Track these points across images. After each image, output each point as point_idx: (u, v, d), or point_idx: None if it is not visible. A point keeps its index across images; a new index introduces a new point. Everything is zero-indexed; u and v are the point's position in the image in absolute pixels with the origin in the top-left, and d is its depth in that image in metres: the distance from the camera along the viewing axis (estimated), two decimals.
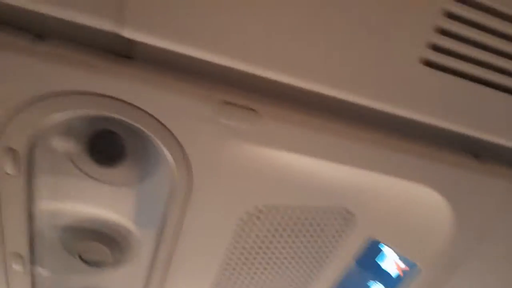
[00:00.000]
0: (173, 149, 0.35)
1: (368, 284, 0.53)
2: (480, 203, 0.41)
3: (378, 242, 0.49)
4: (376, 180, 0.41)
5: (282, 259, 0.49)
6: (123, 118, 0.32)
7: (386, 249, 0.49)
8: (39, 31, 0.29)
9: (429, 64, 0.32)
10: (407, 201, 0.43)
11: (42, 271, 0.46)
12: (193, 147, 0.34)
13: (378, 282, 0.52)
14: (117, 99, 0.30)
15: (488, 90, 0.35)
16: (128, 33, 0.28)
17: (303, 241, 0.47)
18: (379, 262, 0.50)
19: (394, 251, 0.48)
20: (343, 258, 0.51)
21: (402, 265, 0.48)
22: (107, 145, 0.36)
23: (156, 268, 0.44)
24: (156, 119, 0.32)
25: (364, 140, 0.37)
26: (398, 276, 0.49)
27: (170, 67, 0.32)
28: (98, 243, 0.44)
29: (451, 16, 0.31)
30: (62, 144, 0.35)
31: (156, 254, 0.44)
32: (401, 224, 0.46)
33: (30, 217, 0.39)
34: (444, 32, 0.31)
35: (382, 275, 0.51)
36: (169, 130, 0.33)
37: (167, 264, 0.45)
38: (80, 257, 0.45)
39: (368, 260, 0.51)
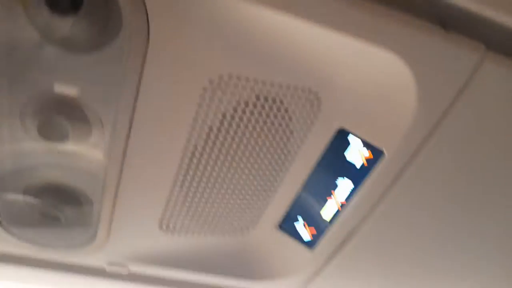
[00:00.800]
0: None
1: (336, 182, 0.53)
2: (445, 77, 0.41)
3: (345, 133, 0.49)
4: (340, 49, 0.41)
5: (247, 151, 0.48)
6: None
7: (351, 139, 0.49)
8: None
9: None
10: (372, 76, 0.43)
11: None
12: None
13: (345, 178, 0.52)
14: None
15: None
16: None
17: (270, 130, 0.47)
18: (345, 155, 0.50)
19: (360, 138, 0.48)
20: (311, 151, 0.51)
21: (366, 154, 0.49)
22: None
23: (116, 141, 0.43)
24: None
25: None
26: (363, 166, 0.50)
27: None
28: (57, 116, 0.43)
29: None
30: None
31: (114, 129, 0.42)
32: (367, 105, 0.45)
33: None
34: None
35: (349, 168, 0.51)
36: None
37: (125, 141, 0.43)
38: (38, 131, 0.43)
39: (334, 154, 0.51)
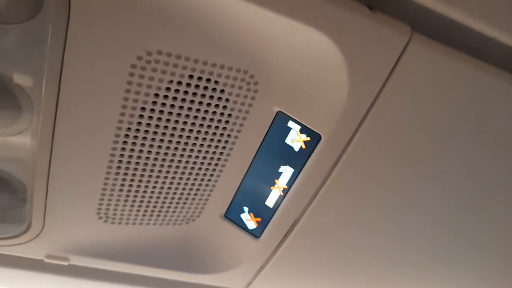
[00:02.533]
0: None
1: (279, 170, 0.53)
2: (374, 58, 0.42)
3: (284, 118, 0.49)
4: (275, 31, 0.41)
5: (184, 135, 0.47)
6: None
7: (290, 124, 0.49)
8: None
9: None
10: (305, 60, 0.44)
11: None
12: None
13: (287, 165, 0.52)
14: None
15: None
16: None
17: (207, 111, 0.46)
18: (286, 141, 0.50)
19: (298, 122, 0.48)
20: (251, 138, 0.50)
21: (304, 137, 0.49)
22: None
23: (43, 124, 0.42)
24: None
25: None
26: (301, 150, 0.50)
27: None
28: None
29: None
30: None
31: (40, 112, 0.41)
32: (302, 88, 0.46)
33: None
34: None
35: (289, 152, 0.51)
36: None
37: (52, 125, 0.42)
38: None
39: (275, 140, 0.51)
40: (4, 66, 0.41)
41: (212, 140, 0.49)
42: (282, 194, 0.54)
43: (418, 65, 0.43)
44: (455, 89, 0.46)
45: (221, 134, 0.49)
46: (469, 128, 0.50)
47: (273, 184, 0.54)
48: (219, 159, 0.52)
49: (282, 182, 0.53)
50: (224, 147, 0.50)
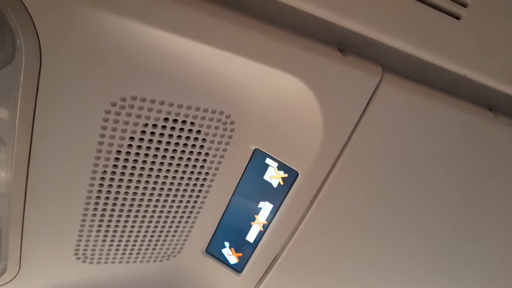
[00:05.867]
0: (18, 16, 0.33)
1: (258, 206, 0.53)
2: (346, 99, 0.43)
3: (261, 155, 0.49)
4: (249, 74, 0.41)
5: (161, 175, 0.47)
6: None
7: (268, 161, 0.49)
8: None
9: None
10: (280, 101, 0.44)
11: None
12: (41, 15, 0.32)
13: (266, 201, 0.52)
14: None
15: None
16: None
17: (183, 151, 0.46)
18: (264, 178, 0.51)
19: (275, 159, 0.48)
20: (230, 176, 0.51)
21: (282, 174, 0.49)
22: None
23: (17, 167, 0.41)
24: None
25: (231, 19, 0.37)
26: (279, 186, 0.50)
27: None
28: None
29: None
30: None
31: (13, 155, 0.41)
32: (278, 127, 0.46)
33: None
34: None
35: (267, 188, 0.51)
36: None
37: (26, 167, 0.42)
38: None
39: (254, 177, 0.51)
40: None
41: (190, 178, 0.49)
42: (262, 229, 0.54)
43: (390, 103, 0.44)
44: (428, 124, 0.47)
45: (199, 173, 0.49)
46: (443, 162, 0.50)
47: (253, 219, 0.54)
48: (198, 196, 0.52)
49: (262, 217, 0.53)
50: (202, 185, 0.50)
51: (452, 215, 0.57)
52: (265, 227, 0.53)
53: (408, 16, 0.40)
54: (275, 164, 0.49)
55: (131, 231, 0.51)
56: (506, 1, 0.42)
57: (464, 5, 0.41)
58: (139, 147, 0.43)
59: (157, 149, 0.44)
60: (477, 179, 0.52)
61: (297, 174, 0.48)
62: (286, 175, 0.49)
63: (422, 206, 0.53)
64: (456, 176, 0.51)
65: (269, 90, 0.43)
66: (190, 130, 0.45)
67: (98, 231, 0.50)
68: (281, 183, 0.50)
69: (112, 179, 0.45)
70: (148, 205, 0.49)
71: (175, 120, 0.43)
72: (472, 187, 0.53)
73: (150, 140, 0.43)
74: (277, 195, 0.51)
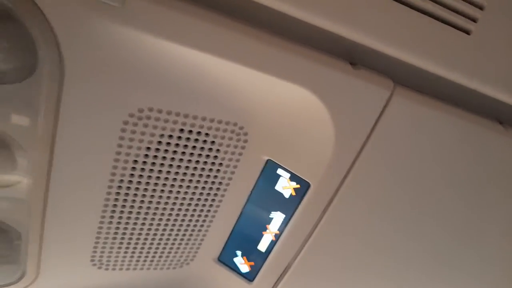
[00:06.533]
0: (42, 30, 0.34)
1: (270, 216, 0.54)
2: (358, 112, 0.44)
3: (274, 166, 0.50)
4: (262, 86, 0.43)
5: (176, 185, 0.49)
6: None
7: (280, 171, 0.50)
8: None
9: None
10: (292, 114, 0.45)
11: None
12: (62, 29, 0.34)
13: (278, 211, 0.53)
14: None
15: None
16: None
17: (198, 161, 0.47)
18: (276, 188, 0.52)
19: (287, 170, 0.49)
20: (242, 185, 0.52)
21: (294, 185, 0.50)
22: None
23: (38, 175, 0.43)
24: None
25: (244, 33, 0.38)
26: (291, 196, 0.51)
27: None
28: None
29: None
30: None
31: (35, 163, 0.42)
32: (291, 138, 0.47)
33: None
34: None
35: (279, 199, 0.52)
36: (36, 6, 0.33)
37: (47, 175, 0.43)
38: None
39: (266, 187, 0.52)
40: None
41: (204, 188, 0.50)
42: (274, 238, 0.55)
43: (401, 116, 0.45)
44: (439, 136, 0.47)
45: (213, 182, 0.50)
46: (453, 174, 0.51)
47: (265, 229, 0.55)
48: (211, 205, 0.53)
49: (273, 227, 0.54)
50: (216, 194, 0.51)
51: (461, 227, 0.57)
52: (277, 236, 0.54)
53: (418, 31, 0.41)
54: (287, 175, 0.50)
55: (146, 239, 0.53)
56: None
57: (474, 20, 0.42)
58: (155, 157, 0.45)
59: (173, 159, 0.46)
60: (487, 192, 0.52)
61: (309, 185, 0.49)
62: (298, 186, 0.50)
63: (431, 217, 0.54)
64: (466, 189, 0.52)
65: (281, 102, 0.44)
66: (204, 141, 0.46)
67: (114, 238, 0.51)
68: (293, 193, 0.50)
69: (128, 187, 0.46)
70: (162, 213, 0.51)
71: (190, 131, 0.44)
72: (482, 199, 0.53)
73: (166, 151, 0.44)
74: (289, 206, 0.51)
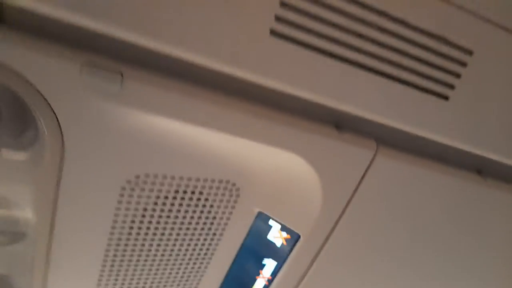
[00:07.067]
0: (42, 110, 0.36)
1: (263, 262, 0.56)
2: (344, 171, 0.46)
3: (265, 217, 0.52)
4: (253, 150, 0.45)
5: (172, 238, 0.51)
6: None
7: (271, 222, 0.52)
8: None
9: (276, 34, 0.37)
10: (282, 172, 0.48)
11: None
12: (62, 109, 0.36)
13: (270, 258, 0.56)
14: None
15: (345, 65, 0.40)
16: None
17: (192, 217, 0.50)
18: (268, 237, 0.54)
19: (278, 222, 0.51)
20: (235, 235, 0.54)
21: (284, 235, 0.52)
22: None
23: (39, 252, 0.45)
24: (25, 79, 0.34)
25: (234, 107, 0.41)
26: (283, 245, 0.53)
27: (39, 30, 0.34)
28: None
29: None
30: None
31: (36, 236, 0.44)
32: (281, 193, 0.50)
33: None
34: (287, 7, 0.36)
35: (271, 247, 0.54)
36: (36, 89, 0.35)
37: (48, 246, 0.45)
38: None
39: (258, 236, 0.54)
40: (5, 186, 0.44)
41: (198, 239, 0.52)
42: (267, 283, 0.57)
43: (384, 173, 0.48)
44: (420, 190, 0.50)
45: (207, 234, 0.52)
46: (436, 223, 0.53)
47: (258, 274, 0.57)
48: (205, 254, 0.55)
49: (266, 273, 0.56)
50: (210, 244, 0.54)
51: (445, 266, 0.60)
52: (270, 281, 0.56)
53: (399, 99, 0.44)
54: (278, 226, 0.52)
55: (144, 284, 0.55)
56: (491, 82, 0.45)
57: (451, 87, 0.44)
58: (152, 216, 0.47)
59: (168, 216, 0.48)
60: (468, 239, 0.55)
61: (299, 236, 0.51)
62: (288, 236, 0.52)
63: (412, 265, 0.56)
64: (449, 234, 0.54)
65: (272, 163, 0.46)
66: (198, 199, 0.48)
67: (116, 280, 0.53)
68: (284, 243, 0.53)
69: (127, 242, 0.48)
70: (159, 263, 0.53)
71: (185, 192, 0.47)
72: (464, 246, 0.56)
73: (162, 210, 0.47)
74: (281, 254, 0.54)
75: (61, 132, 0.38)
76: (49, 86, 0.35)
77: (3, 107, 0.39)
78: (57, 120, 0.37)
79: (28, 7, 0.32)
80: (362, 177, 0.47)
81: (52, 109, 0.36)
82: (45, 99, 0.36)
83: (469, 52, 0.42)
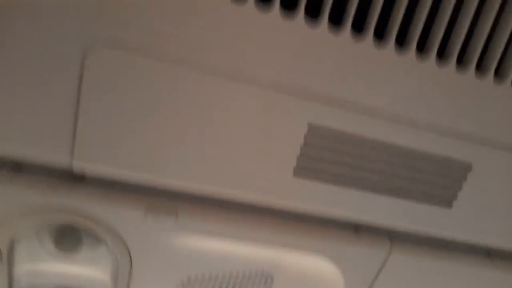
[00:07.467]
0: (117, 244, 0.47)
1: None
2: (362, 268, 0.54)
3: None
4: (282, 254, 0.54)
5: None
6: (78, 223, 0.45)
7: None
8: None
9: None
10: (309, 266, 0.56)
11: None
12: (132, 242, 0.47)
13: None
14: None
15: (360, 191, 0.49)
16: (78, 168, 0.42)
17: None
18: None
19: None
20: None
21: None
22: (67, 236, 0.49)
23: None
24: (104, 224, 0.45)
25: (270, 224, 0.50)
26: None
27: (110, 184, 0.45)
28: None
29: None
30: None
31: None
32: (307, 283, 0.58)
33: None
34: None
35: None
36: (114, 229, 0.46)
37: None
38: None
39: None
40: None
41: None
42: None
43: (399, 266, 0.55)
44: (433, 276, 0.57)
45: None
46: None
47: None
48: None
49: None
50: None
51: None
52: None
53: (407, 211, 0.51)
54: None
55: None
56: (491, 190, 0.52)
57: (454, 197, 0.51)
58: None
59: None
60: None
61: None
62: None
63: None
64: None
65: (302, 262, 0.55)
66: None
67: None
68: None
69: None
70: None
71: (226, 287, 0.56)
72: None
73: None
74: None
75: (130, 255, 0.49)
76: (126, 228, 0.45)
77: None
78: (128, 248, 0.47)
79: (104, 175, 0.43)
80: (378, 271, 0.54)
81: (125, 242, 0.46)
82: (121, 237, 0.47)
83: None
